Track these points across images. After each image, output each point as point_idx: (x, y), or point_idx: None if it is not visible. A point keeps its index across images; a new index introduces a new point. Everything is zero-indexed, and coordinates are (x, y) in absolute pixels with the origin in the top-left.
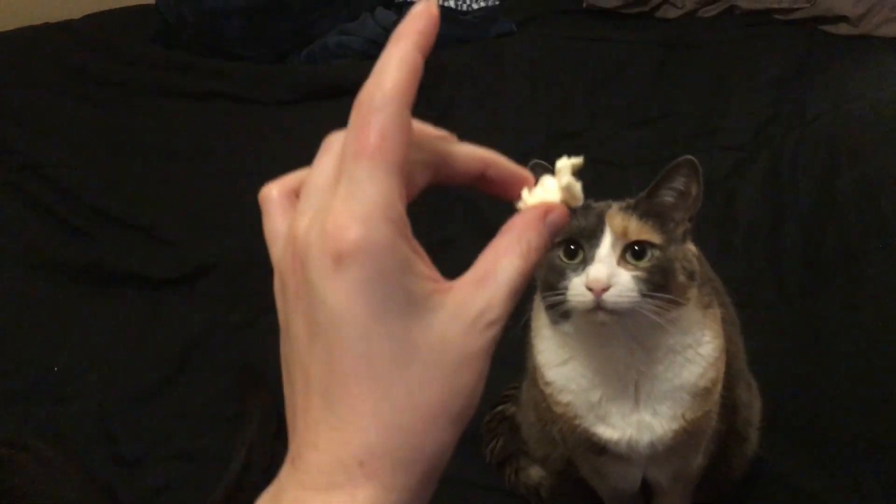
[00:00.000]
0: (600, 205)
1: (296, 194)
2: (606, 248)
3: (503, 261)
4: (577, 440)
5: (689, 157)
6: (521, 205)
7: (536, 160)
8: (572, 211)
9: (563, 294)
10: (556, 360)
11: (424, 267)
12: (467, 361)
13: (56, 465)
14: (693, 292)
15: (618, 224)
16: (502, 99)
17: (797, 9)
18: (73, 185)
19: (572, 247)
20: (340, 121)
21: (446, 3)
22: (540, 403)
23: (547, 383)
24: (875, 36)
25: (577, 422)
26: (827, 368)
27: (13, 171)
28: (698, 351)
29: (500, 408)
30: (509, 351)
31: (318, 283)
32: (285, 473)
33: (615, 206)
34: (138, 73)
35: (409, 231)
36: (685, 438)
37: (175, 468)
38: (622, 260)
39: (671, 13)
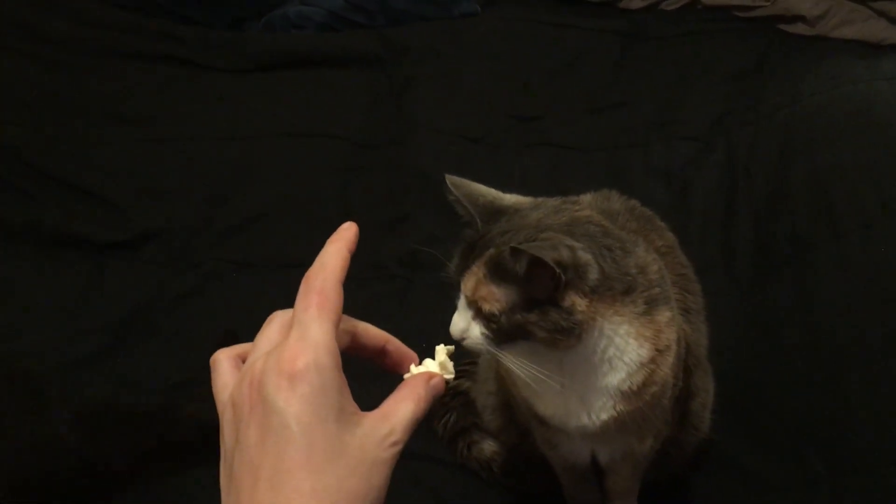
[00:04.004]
0: (484, 241)
1: (240, 359)
2: (463, 304)
3: (401, 405)
4: (522, 406)
5: (515, 246)
6: (407, 375)
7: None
8: (462, 240)
9: None
10: None
11: (349, 394)
12: (379, 465)
13: None
14: (573, 341)
15: (469, 287)
16: (463, 79)
17: (757, 6)
18: (14, 143)
19: None
20: (297, 92)
21: None
22: (499, 368)
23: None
24: (831, 37)
25: (515, 390)
26: (776, 354)
27: None
28: (622, 359)
29: (453, 382)
30: None
31: (274, 395)
32: None
33: (486, 256)
34: (85, 32)
35: (340, 365)
36: (617, 427)
37: None
38: (477, 315)
39: (634, 4)
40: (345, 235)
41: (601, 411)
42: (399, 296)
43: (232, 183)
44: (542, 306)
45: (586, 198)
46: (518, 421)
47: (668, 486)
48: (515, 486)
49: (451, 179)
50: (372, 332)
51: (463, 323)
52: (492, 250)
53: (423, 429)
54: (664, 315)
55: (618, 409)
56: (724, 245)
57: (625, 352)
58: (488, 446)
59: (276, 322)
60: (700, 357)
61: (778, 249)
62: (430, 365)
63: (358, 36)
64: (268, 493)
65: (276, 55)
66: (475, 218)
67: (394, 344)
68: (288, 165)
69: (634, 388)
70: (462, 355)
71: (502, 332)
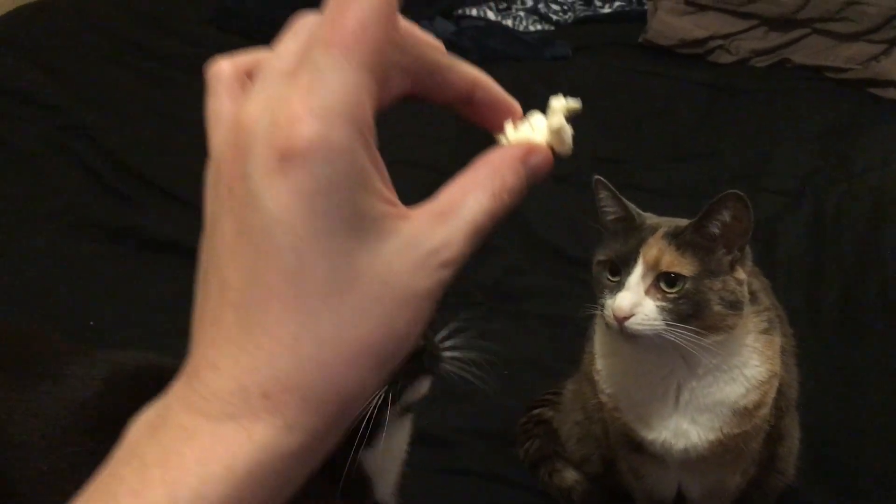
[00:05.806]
0: (647, 226)
1: (250, 76)
2: (636, 278)
3: (470, 196)
4: (617, 433)
5: (736, 191)
6: (502, 139)
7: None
8: (615, 232)
9: (601, 310)
10: (605, 351)
11: (382, 185)
12: (410, 301)
13: None
14: (735, 320)
15: (651, 255)
16: None
17: (849, 69)
18: (117, 149)
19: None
20: (387, 120)
21: (504, 22)
22: (589, 398)
23: (597, 371)
24: None
25: (617, 415)
26: (860, 408)
27: (56, 130)
28: (744, 372)
29: (536, 411)
30: (547, 358)
31: (258, 179)
32: (176, 390)
33: (660, 232)
34: (191, 51)
35: (373, 140)
36: (721, 452)
37: None
38: (652, 288)
39: (724, 58)
40: None
41: (710, 431)
42: (481, 323)
43: None
44: (720, 276)
45: None
46: (604, 451)
47: None
48: None
49: (602, 181)
50: (453, 74)
51: (634, 297)
52: (669, 227)
53: (506, 452)
54: (777, 340)
55: (725, 431)
56: (810, 299)
57: (747, 365)
58: (570, 475)
59: (303, 34)
60: (791, 400)
61: (866, 308)
62: (537, 126)
63: None
64: (233, 326)
65: None
66: (629, 210)
67: (487, 92)
68: None
69: (750, 406)
70: (545, 386)
71: (683, 302)
